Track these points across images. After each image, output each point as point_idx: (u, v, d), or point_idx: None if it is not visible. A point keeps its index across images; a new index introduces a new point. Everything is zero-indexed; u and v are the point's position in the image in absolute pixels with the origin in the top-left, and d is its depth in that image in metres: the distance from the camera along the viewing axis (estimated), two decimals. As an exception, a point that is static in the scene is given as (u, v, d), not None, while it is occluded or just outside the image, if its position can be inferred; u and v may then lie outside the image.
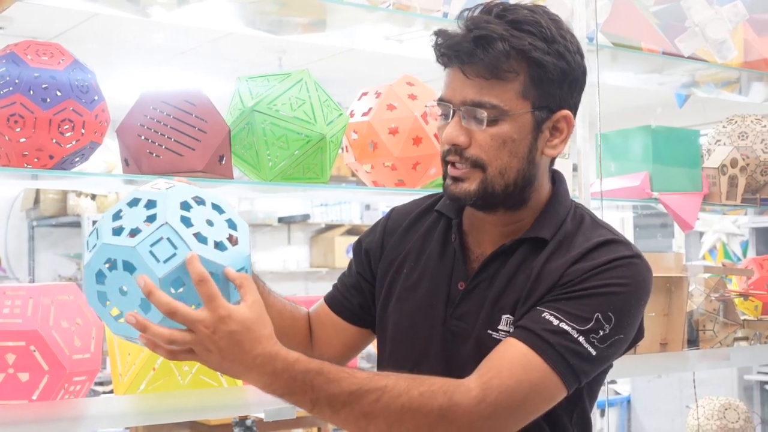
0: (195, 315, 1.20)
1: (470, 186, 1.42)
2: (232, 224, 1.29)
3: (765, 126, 2.93)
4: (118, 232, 1.23)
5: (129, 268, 1.21)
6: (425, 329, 1.50)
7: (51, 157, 1.85)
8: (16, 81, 1.80)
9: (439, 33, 1.43)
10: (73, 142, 1.87)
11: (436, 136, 2.27)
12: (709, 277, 2.81)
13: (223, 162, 2.02)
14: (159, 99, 1.97)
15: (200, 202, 1.27)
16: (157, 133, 1.94)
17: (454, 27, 1.43)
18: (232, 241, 1.28)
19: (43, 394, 1.80)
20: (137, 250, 1.20)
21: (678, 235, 6.28)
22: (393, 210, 1.68)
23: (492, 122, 1.40)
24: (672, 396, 5.37)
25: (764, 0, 3.22)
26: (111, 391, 2.15)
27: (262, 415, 2.02)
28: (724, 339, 2.70)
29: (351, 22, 2.35)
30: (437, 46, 1.42)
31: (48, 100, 1.81)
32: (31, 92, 1.80)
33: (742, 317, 2.83)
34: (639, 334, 1.48)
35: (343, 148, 2.38)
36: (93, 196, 6.19)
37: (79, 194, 6.17)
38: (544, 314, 1.35)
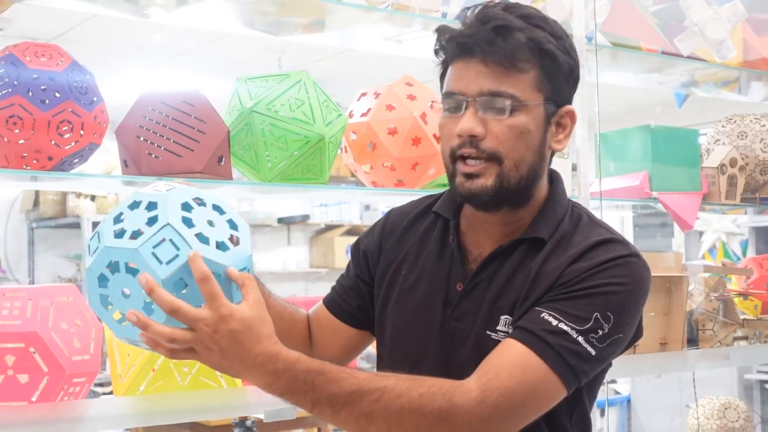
0: (196, 313, 1.20)
1: (487, 181, 1.41)
2: (233, 224, 1.29)
3: (764, 125, 2.93)
4: (119, 234, 1.23)
5: (131, 270, 1.21)
6: (424, 330, 1.50)
7: (50, 159, 1.85)
8: (15, 82, 1.80)
9: (443, 29, 1.43)
10: (72, 144, 1.87)
11: (435, 136, 2.27)
12: (708, 276, 2.81)
13: (222, 163, 2.02)
14: (158, 100, 1.97)
15: (201, 203, 1.28)
16: (156, 134, 1.94)
17: (453, 26, 1.43)
18: (234, 241, 1.28)
19: (42, 395, 1.80)
20: (139, 251, 1.20)
21: (678, 235, 6.28)
22: (391, 211, 1.68)
23: (510, 112, 1.40)
24: (672, 395, 5.37)
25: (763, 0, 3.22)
26: (111, 392, 2.15)
27: (262, 416, 2.02)
28: (723, 338, 2.70)
29: (350, 23, 2.35)
30: (449, 39, 1.42)
31: (47, 101, 1.81)
32: (30, 94, 1.80)
33: (742, 316, 2.83)
34: (638, 333, 1.48)
35: (342, 149, 2.38)
36: (93, 197, 6.19)
37: (78, 195, 6.17)
38: (543, 314, 1.35)
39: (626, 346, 1.45)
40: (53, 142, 1.83)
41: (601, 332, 1.35)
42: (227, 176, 2.04)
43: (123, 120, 1.98)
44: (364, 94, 2.40)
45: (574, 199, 1.60)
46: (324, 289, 1.75)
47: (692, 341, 2.68)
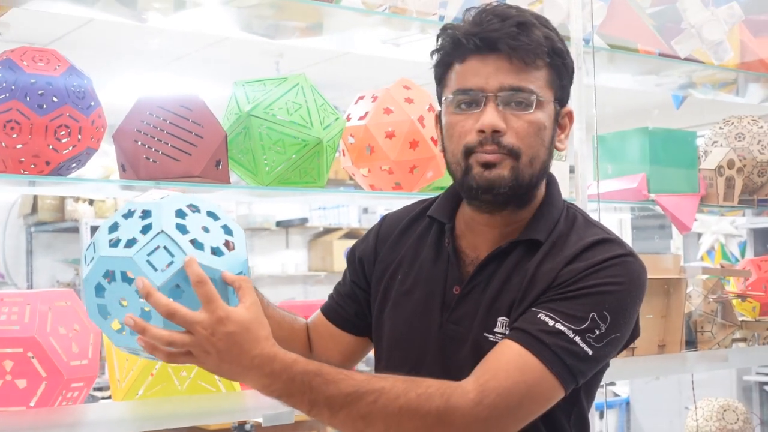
0: (193, 316, 1.20)
1: (503, 171, 1.41)
2: (227, 230, 1.29)
3: (761, 127, 2.93)
4: (114, 244, 1.23)
5: (127, 279, 1.22)
6: (421, 334, 1.50)
7: (48, 163, 1.85)
8: (13, 87, 1.80)
9: (455, 26, 1.43)
10: (70, 148, 1.86)
11: (432, 139, 2.27)
12: (707, 278, 2.81)
13: (220, 167, 2.02)
14: (155, 104, 1.97)
15: (195, 209, 1.28)
16: (153, 139, 1.94)
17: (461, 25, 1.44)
18: (229, 246, 1.28)
19: (41, 400, 1.80)
20: (134, 259, 1.21)
21: (676, 237, 6.29)
22: (385, 217, 1.68)
23: (531, 107, 1.40)
24: (671, 397, 5.37)
25: (760, 1, 3.23)
26: (109, 397, 2.14)
27: (260, 420, 2.02)
28: (722, 340, 2.70)
29: (347, 26, 2.35)
30: (469, 34, 1.41)
31: (44, 106, 1.81)
32: (28, 98, 1.80)
33: (740, 318, 2.83)
34: (635, 333, 1.48)
35: (340, 152, 2.37)
36: (91, 202, 6.19)
37: (76, 200, 6.17)
38: (540, 315, 1.36)
39: (623, 345, 1.45)
40: (51, 146, 1.83)
41: (598, 332, 1.35)
42: (225, 180, 2.04)
43: (121, 124, 1.98)
44: (361, 98, 2.40)
45: (572, 202, 1.60)
46: (323, 292, 1.75)
47: (691, 343, 2.68)
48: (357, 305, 1.64)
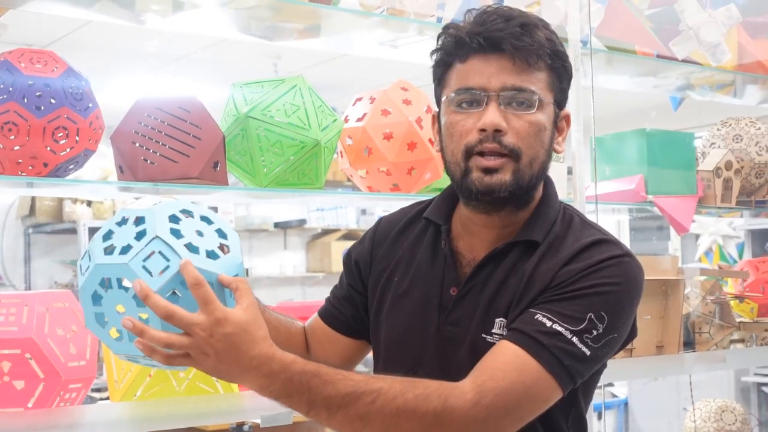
0: (191, 318, 1.20)
1: (505, 176, 1.41)
2: (222, 234, 1.29)
3: (759, 129, 2.93)
4: (109, 251, 1.24)
5: (124, 286, 1.22)
6: (419, 336, 1.50)
7: (45, 165, 1.85)
8: (10, 89, 1.80)
9: (458, 25, 1.44)
10: (68, 150, 1.86)
11: (430, 141, 2.27)
12: (705, 279, 2.81)
13: (218, 168, 2.02)
14: (153, 106, 1.97)
15: (188, 214, 1.28)
16: (151, 140, 1.94)
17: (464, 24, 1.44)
18: (224, 250, 1.28)
19: (38, 401, 1.80)
20: (130, 266, 1.21)
21: (674, 238, 6.30)
22: (381, 220, 1.68)
23: (533, 108, 1.41)
24: (669, 398, 5.38)
25: (758, 3, 3.23)
26: (107, 398, 2.14)
27: (258, 421, 2.02)
28: (720, 341, 2.70)
29: (345, 28, 2.35)
30: (472, 33, 1.41)
31: (42, 107, 1.81)
32: (25, 100, 1.80)
33: (738, 319, 2.83)
34: (632, 333, 1.48)
35: (338, 154, 2.38)
36: (89, 203, 6.19)
37: (74, 201, 6.17)
38: (537, 316, 1.36)
39: (621, 346, 1.45)
40: (49, 148, 1.83)
41: (595, 332, 1.35)
42: (223, 182, 2.04)
43: (118, 126, 1.98)
44: (359, 99, 2.40)
45: (570, 203, 1.60)
46: (321, 293, 1.75)
47: (689, 344, 2.69)
48: (354, 308, 1.64)
